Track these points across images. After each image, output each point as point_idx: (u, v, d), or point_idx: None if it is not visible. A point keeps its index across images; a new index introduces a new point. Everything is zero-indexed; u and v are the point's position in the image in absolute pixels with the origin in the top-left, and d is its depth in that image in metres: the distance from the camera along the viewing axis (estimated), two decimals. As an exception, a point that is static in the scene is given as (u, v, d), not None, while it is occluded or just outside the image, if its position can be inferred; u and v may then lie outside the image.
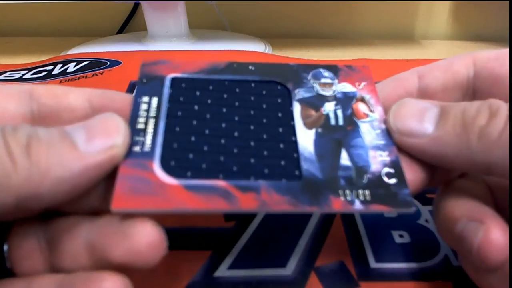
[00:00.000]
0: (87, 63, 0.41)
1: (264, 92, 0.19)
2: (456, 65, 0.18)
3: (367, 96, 0.19)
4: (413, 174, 0.17)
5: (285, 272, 0.20)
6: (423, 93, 0.19)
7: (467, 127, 0.15)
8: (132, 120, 0.16)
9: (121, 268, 0.15)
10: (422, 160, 0.17)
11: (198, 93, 0.18)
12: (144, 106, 0.17)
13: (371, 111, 0.18)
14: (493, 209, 0.16)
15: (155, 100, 0.17)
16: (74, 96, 0.16)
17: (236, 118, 0.18)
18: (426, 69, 0.19)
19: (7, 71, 0.39)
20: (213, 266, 0.20)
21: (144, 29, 0.48)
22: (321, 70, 0.20)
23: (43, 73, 0.39)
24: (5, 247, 0.16)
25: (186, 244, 0.21)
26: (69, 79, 0.37)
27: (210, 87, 0.18)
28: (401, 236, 0.22)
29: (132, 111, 0.17)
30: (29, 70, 0.40)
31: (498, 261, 0.15)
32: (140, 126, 0.16)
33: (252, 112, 0.18)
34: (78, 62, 0.41)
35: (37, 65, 0.41)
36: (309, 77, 0.19)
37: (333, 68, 0.20)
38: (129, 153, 0.16)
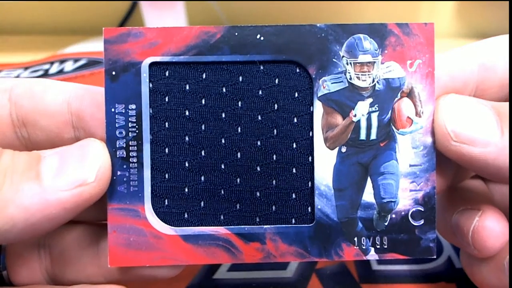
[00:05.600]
0: (85, 62, 0.40)
1: (276, 81, 0.15)
2: None
3: (419, 87, 0.14)
4: (442, 183, 0.15)
5: (285, 274, 0.19)
6: (477, 88, 0.15)
7: None
8: (109, 143, 0.14)
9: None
10: (478, 173, 0.15)
11: (187, 87, 0.15)
12: (120, 121, 0.14)
13: (417, 114, 0.14)
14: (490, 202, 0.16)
15: (133, 109, 0.14)
16: (52, 97, 0.15)
17: (239, 130, 0.15)
18: (488, 56, 0.15)
19: (3, 70, 0.39)
20: (213, 268, 0.20)
21: (142, 27, 0.48)
22: (361, 37, 0.14)
23: (40, 72, 0.38)
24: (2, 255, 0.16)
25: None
26: (66, 78, 0.37)
27: (204, 76, 0.15)
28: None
29: (107, 129, 0.14)
30: (26, 69, 0.39)
31: (492, 248, 0.15)
32: (121, 153, 0.14)
33: (259, 117, 0.15)
34: (76, 60, 0.41)
35: (34, 64, 0.40)
36: (342, 51, 0.14)
37: (379, 32, 0.14)
38: (114, 193, 0.14)
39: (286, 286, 0.19)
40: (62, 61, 0.41)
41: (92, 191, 0.13)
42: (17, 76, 0.38)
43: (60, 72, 0.38)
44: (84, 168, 0.13)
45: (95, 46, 0.46)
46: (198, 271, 0.20)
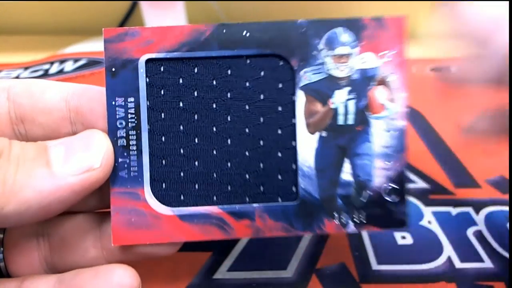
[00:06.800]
0: (85, 62, 0.40)
1: (262, 74, 0.16)
2: None
3: (391, 77, 0.16)
4: None
5: (285, 274, 0.19)
6: None
7: None
8: (111, 133, 0.15)
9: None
10: None
11: (181, 80, 0.16)
12: (120, 113, 0.15)
13: (391, 99, 0.16)
14: None
15: (131, 102, 0.15)
16: (50, 95, 0.15)
17: (229, 118, 0.16)
18: None
19: (3, 70, 0.39)
20: (213, 268, 0.20)
21: (142, 27, 0.48)
22: (338, 31, 0.15)
23: (40, 72, 0.38)
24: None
25: (185, 245, 0.21)
26: (66, 78, 0.37)
27: (196, 70, 0.16)
28: (403, 237, 0.21)
29: (108, 120, 0.15)
30: (26, 69, 0.39)
31: None
32: (121, 142, 0.15)
33: (247, 107, 0.16)
34: (76, 60, 0.41)
35: (34, 64, 0.40)
36: (321, 45, 0.15)
37: (355, 26, 0.16)
38: (116, 178, 0.15)
39: (286, 286, 0.19)
40: (62, 61, 0.41)
41: (98, 176, 0.14)
42: (17, 76, 0.37)
43: (60, 72, 0.38)
44: (90, 155, 0.14)
45: (95, 46, 0.45)
46: (198, 271, 0.20)
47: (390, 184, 0.16)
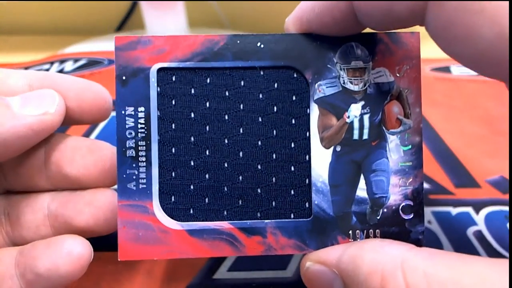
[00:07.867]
0: (85, 62, 0.40)
1: (276, 86, 0.16)
2: None
3: (406, 91, 0.16)
4: None
5: (285, 274, 0.19)
6: None
7: None
8: (119, 143, 0.15)
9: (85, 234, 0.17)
10: None
11: (193, 91, 0.16)
12: (130, 122, 0.15)
13: (406, 115, 0.16)
14: None
15: (142, 111, 0.15)
16: (14, 80, 0.17)
17: (241, 131, 0.16)
18: None
19: (4, 70, 0.39)
20: (213, 268, 0.20)
21: (142, 27, 0.48)
22: (353, 45, 0.15)
23: (40, 72, 0.38)
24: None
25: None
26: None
27: (208, 80, 0.16)
28: (403, 237, 0.21)
29: (117, 130, 0.15)
30: (26, 69, 0.39)
31: None
32: (130, 153, 0.15)
33: (260, 119, 0.16)
34: (76, 60, 0.41)
35: (34, 64, 0.40)
36: (336, 58, 0.15)
37: (370, 40, 0.15)
38: (124, 190, 0.15)
39: (286, 286, 0.19)
40: (62, 61, 0.41)
41: (53, 119, 0.15)
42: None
43: (60, 72, 0.38)
44: (45, 103, 0.15)
45: (95, 46, 0.45)
46: (198, 271, 0.20)
47: (406, 201, 0.15)
